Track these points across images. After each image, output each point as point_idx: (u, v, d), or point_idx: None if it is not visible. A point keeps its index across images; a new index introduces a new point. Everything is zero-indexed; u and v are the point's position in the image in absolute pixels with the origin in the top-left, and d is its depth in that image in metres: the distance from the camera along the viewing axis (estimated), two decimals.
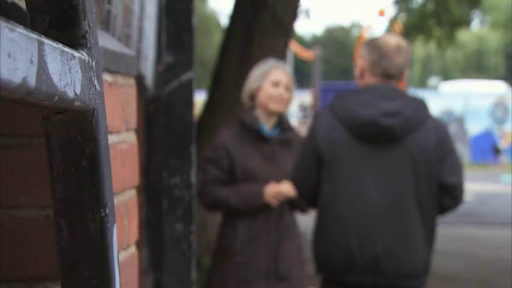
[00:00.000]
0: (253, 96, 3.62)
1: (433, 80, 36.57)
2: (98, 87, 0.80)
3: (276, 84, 3.57)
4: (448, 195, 3.00)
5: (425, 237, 2.98)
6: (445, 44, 10.46)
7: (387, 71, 3.01)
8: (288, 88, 3.61)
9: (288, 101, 3.64)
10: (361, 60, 3.09)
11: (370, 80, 3.04)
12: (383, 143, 2.95)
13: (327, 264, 3.00)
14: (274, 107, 3.56)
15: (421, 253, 2.96)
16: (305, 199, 3.20)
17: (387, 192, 2.93)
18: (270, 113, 3.59)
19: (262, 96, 3.57)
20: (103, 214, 0.80)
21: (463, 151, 23.49)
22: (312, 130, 3.07)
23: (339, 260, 2.94)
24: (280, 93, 3.57)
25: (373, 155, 2.95)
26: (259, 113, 3.59)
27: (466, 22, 10.54)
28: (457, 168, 3.02)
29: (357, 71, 3.14)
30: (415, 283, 2.97)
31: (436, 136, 2.97)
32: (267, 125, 3.60)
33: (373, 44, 3.06)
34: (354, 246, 2.92)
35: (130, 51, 1.64)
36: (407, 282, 2.95)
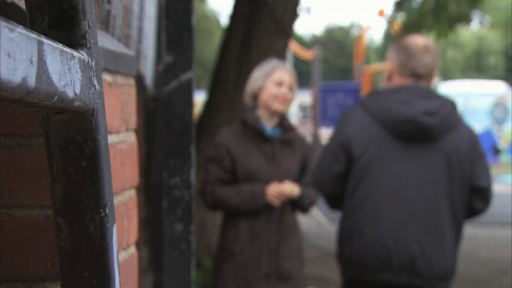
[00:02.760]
0: (255, 96, 3.61)
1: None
2: (97, 87, 0.80)
3: (279, 84, 3.57)
4: (480, 197, 3.01)
5: (454, 239, 2.98)
6: (445, 38, 10.44)
7: (416, 70, 3.01)
8: (291, 88, 3.61)
9: (290, 101, 3.64)
10: (389, 62, 3.09)
11: (399, 81, 3.04)
12: (419, 142, 2.94)
13: (358, 264, 2.97)
14: (277, 106, 3.56)
15: (451, 255, 2.96)
16: (328, 197, 3.15)
17: (423, 192, 2.92)
18: (272, 113, 3.59)
19: (265, 96, 3.57)
20: (102, 214, 0.80)
21: None
22: (341, 127, 3.05)
23: (375, 260, 2.92)
24: (283, 93, 3.57)
25: (409, 155, 2.94)
26: (261, 113, 3.59)
27: (465, 20, 10.53)
28: (487, 172, 3.04)
29: (385, 74, 3.14)
30: (443, 285, 2.96)
31: (468, 139, 2.99)
32: (269, 125, 3.60)
33: (401, 45, 3.06)
34: (390, 246, 2.90)
35: (130, 51, 1.64)
36: (438, 284, 2.94)
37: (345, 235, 3.04)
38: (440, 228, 2.93)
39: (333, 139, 3.09)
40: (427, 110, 2.91)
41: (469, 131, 3.03)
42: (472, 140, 3.01)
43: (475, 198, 3.01)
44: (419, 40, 3.07)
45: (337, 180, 3.04)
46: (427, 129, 2.91)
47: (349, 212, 3.02)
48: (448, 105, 2.99)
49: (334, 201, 3.14)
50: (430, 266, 2.91)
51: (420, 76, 3.02)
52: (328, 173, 3.05)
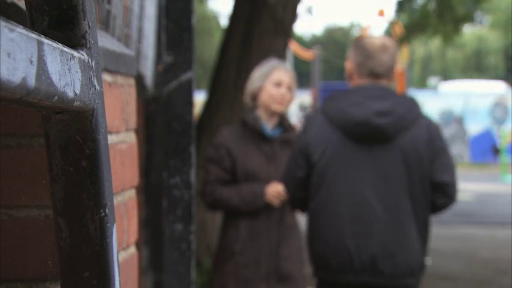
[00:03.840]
0: (255, 96, 3.61)
1: (433, 80, 36.57)
2: (97, 87, 0.80)
3: (278, 84, 3.57)
4: (441, 193, 3.00)
5: (419, 236, 2.99)
6: (451, 40, 10.42)
7: (374, 70, 3.02)
8: (290, 88, 3.61)
9: (289, 101, 3.64)
10: (348, 62, 3.11)
11: (358, 81, 3.05)
12: (376, 142, 2.95)
13: (324, 266, 3.00)
14: (276, 107, 3.56)
15: (415, 251, 2.97)
16: (295, 200, 3.18)
17: (381, 191, 2.93)
18: (271, 113, 3.59)
19: (264, 97, 3.57)
20: (102, 214, 0.80)
21: (463, 151, 23.49)
22: (303, 131, 3.08)
23: (336, 261, 2.94)
24: (282, 93, 3.57)
25: (366, 155, 2.95)
26: (261, 113, 3.59)
27: (470, 18, 10.51)
28: (449, 167, 3.02)
29: (346, 73, 3.15)
30: (410, 281, 2.98)
31: (427, 135, 2.98)
32: (269, 125, 3.60)
33: (358, 45, 3.08)
34: (350, 247, 2.92)
35: (130, 51, 1.64)
36: (403, 280, 2.96)
37: (310, 237, 3.07)
38: (402, 226, 2.94)
39: (295, 145, 3.12)
40: (379, 110, 2.91)
41: (429, 126, 3.00)
42: (432, 133, 2.99)
43: (436, 194, 2.99)
44: (376, 40, 3.08)
45: (300, 185, 3.07)
46: (381, 129, 2.92)
47: (312, 215, 3.05)
48: (405, 103, 2.98)
49: (301, 204, 3.18)
50: (392, 264, 2.92)
51: (379, 75, 3.03)
52: (292, 178, 3.09)
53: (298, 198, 3.14)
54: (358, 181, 2.94)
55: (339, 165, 2.96)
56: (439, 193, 3.00)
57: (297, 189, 3.09)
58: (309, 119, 3.12)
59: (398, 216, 2.94)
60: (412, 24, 11.09)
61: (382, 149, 2.95)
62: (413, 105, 3.01)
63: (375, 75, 3.02)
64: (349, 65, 3.10)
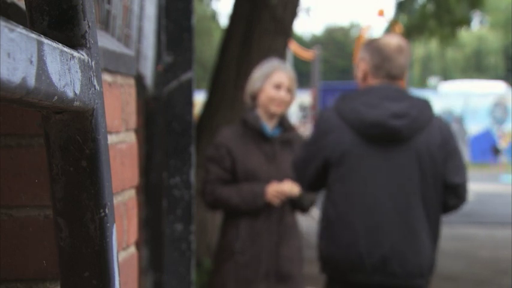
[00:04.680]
0: (254, 97, 3.61)
1: (433, 80, 36.54)
2: (97, 87, 0.80)
3: (277, 86, 3.56)
4: (453, 194, 3.01)
5: (430, 236, 3.00)
6: (447, 43, 10.47)
7: (390, 72, 3.01)
8: (289, 90, 3.60)
9: (289, 103, 3.63)
10: (363, 63, 3.07)
11: (373, 82, 3.04)
12: (390, 143, 2.95)
13: (333, 264, 3.00)
14: (275, 109, 3.56)
15: (426, 252, 2.97)
16: (308, 190, 3.21)
17: (394, 192, 2.93)
18: (270, 115, 3.59)
19: (263, 98, 3.57)
20: (102, 214, 0.80)
21: (463, 151, 23.47)
22: (318, 131, 3.07)
23: (346, 260, 2.94)
24: (281, 96, 3.56)
25: (380, 156, 2.95)
26: (261, 113, 3.59)
27: (467, 22, 10.54)
28: (461, 168, 3.04)
29: (358, 74, 3.12)
30: (420, 282, 2.98)
31: (440, 136, 2.98)
32: (269, 125, 3.60)
33: (375, 46, 3.05)
34: (361, 247, 2.92)
35: (129, 51, 1.64)
36: (414, 281, 2.96)
37: (321, 235, 3.08)
38: (414, 227, 2.94)
39: (311, 141, 3.10)
40: (395, 112, 2.91)
41: (442, 127, 3.02)
42: (445, 134, 3.00)
43: (449, 195, 3.01)
44: (393, 41, 3.06)
45: (314, 181, 3.09)
46: (396, 131, 2.92)
47: (325, 213, 3.06)
48: (419, 105, 2.98)
49: (312, 190, 3.22)
50: (403, 265, 2.92)
51: (395, 77, 3.02)
52: (308, 179, 3.09)
53: (311, 188, 3.16)
54: (371, 181, 2.94)
55: (352, 164, 2.96)
56: (452, 194, 3.02)
57: (311, 184, 3.10)
58: (322, 117, 3.10)
59: (410, 217, 2.94)
60: (410, 25, 11.11)
61: (396, 150, 2.95)
62: (426, 106, 3.01)
63: (391, 77, 3.02)
64: (363, 66, 3.07)
